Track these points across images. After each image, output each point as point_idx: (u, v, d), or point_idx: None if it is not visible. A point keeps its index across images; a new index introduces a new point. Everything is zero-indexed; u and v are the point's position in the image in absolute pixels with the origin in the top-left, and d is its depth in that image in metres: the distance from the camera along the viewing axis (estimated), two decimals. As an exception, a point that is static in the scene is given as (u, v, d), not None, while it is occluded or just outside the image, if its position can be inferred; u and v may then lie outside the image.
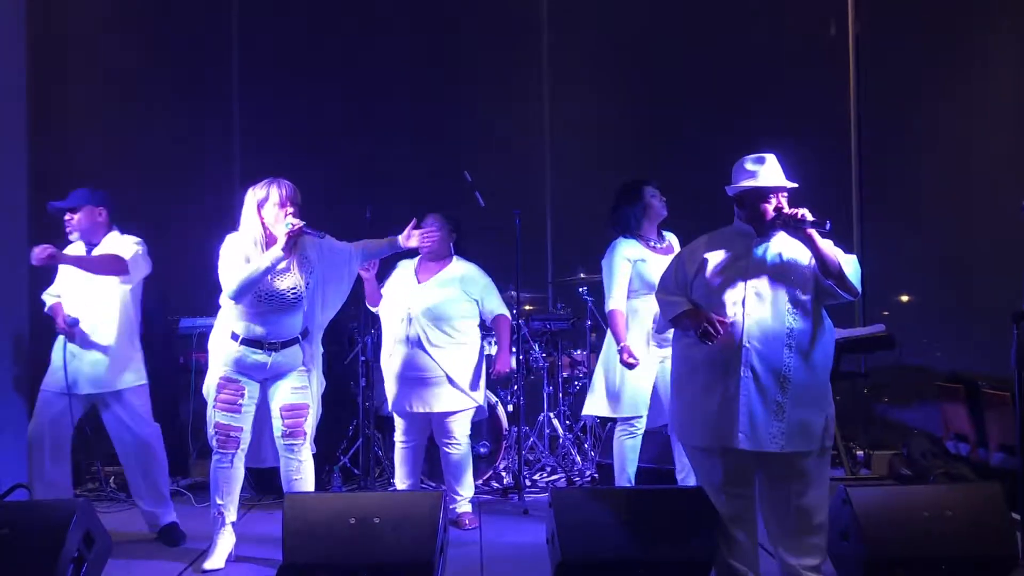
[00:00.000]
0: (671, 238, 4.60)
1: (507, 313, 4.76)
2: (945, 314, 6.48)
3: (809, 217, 3.31)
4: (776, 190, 3.42)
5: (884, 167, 6.67)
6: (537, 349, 5.75)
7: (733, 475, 3.43)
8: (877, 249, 6.68)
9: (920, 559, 3.34)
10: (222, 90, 7.00)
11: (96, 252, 4.30)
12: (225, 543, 4.02)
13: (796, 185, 3.44)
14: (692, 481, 4.28)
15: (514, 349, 5.48)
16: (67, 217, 4.31)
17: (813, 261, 3.39)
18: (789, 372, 3.34)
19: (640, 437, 4.51)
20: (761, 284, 3.38)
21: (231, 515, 4.03)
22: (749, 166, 3.47)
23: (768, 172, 3.44)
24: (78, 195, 4.32)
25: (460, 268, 4.70)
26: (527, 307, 5.33)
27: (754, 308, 3.37)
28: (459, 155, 6.43)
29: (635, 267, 4.44)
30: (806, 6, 6.96)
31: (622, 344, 4.38)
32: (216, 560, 3.96)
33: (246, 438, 3.99)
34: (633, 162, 6.62)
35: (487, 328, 4.91)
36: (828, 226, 3.28)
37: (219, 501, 4.01)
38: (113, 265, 4.23)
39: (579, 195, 6.83)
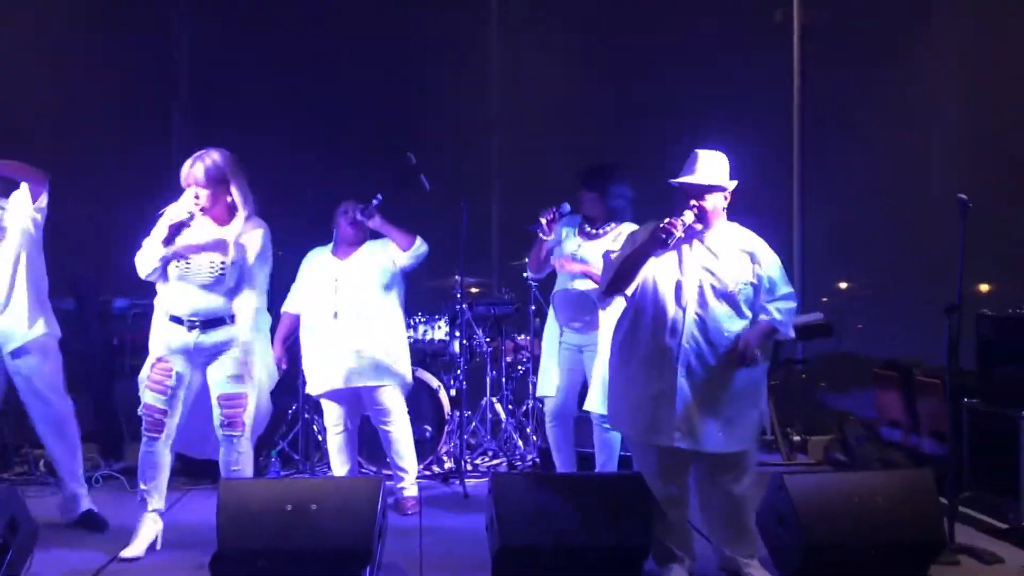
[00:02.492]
0: (624, 230, 4.40)
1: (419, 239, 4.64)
2: (882, 301, 6.61)
3: (678, 233, 3.30)
4: (696, 189, 3.41)
5: (826, 154, 6.76)
6: (481, 334, 5.74)
7: (668, 464, 3.47)
8: (817, 235, 6.77)
9: (853, 544, 3.41)
10: (162, 57, 6.80)
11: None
12: (147, 530, 3.91)
13: (723, 183, 3.43)
14: (612, 466, 4.39)
15: (458, 333, 5.47)
16: None
17: (748, 261, 3.42)
18: (725, 373, 3.37)
19: (561, 427, 4.52)
20: (697, 281, 3.40)
21: (155, 502, 3.92)
22: (690, 160, 3.49)
23: (702, 169, 3.44)
24: None
25: (376, 245, 4.69)
26: (472, 291, 5.29)
27: (692, 305, 3.38)
28: (405, 135, 6.35)
29: (560, 244, 4.47)
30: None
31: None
32: (136, 548, 3.85)
33: (173, 423, 3.88)
34: (580, 148, 6.62)
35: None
36: (672, 241, 3.28)
37: (143, 486, 3.92)
38: (35, 173, 4.02)
39: (527, 177, 6.81)
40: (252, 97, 6.55)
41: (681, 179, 3.46)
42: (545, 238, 4.42)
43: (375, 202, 4.48)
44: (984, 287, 6.17)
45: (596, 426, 4.44)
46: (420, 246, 4.59)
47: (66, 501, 4.30)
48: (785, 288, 3.45)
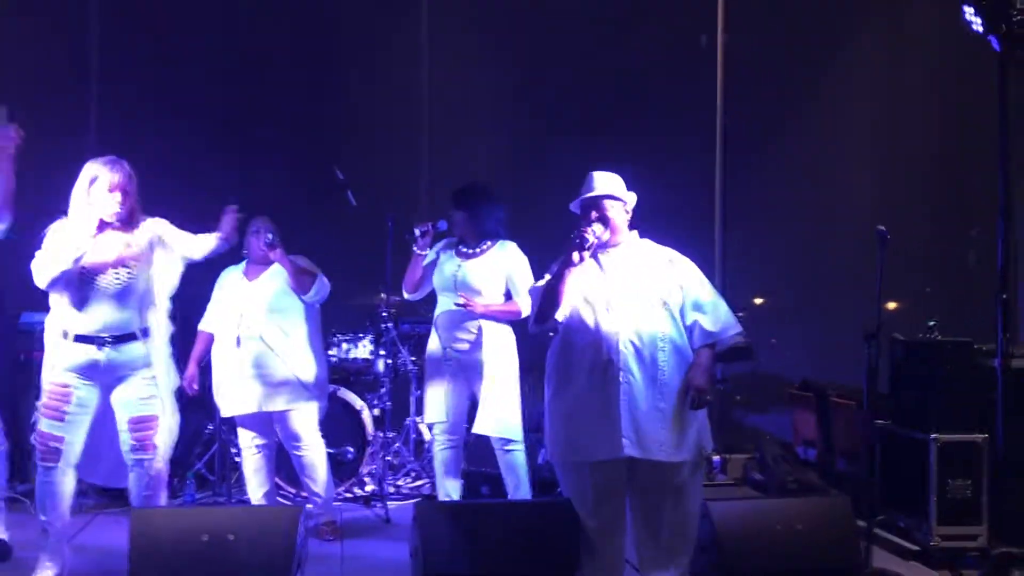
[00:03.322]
0: (501, 248, 4.45)
1: (321, 276, 4.54)
2: (799, 322, 6.76)
3: (589, 241, 3.32)
4: (589, 202, 3.46)
5: (747, 173, 6.88)
6: (406, 352, 5.66)
7: (604, 491, 3.42)
8: (737, 253, 6.89)
9: (774, 571, 3.46)
10: (78, 54, 6.54)
11: None
12: (52, 560, 3.75)
13: (609, 194, 3.47)
14: (523, 492, 4.37)
15: (383, 352, 5.39)
16: None
17: (668, 268, 3.46)
18: (665, 376, 3.38)
19: (451, 451, 4.48)
20: (622, 293, 3.42)
21: (57, 530, 3.76)
22: (586, 181, 3.53)
23: (587, 188, 3.50)
24: None
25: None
26: (395, 310, 5.23)
27: (623, 316, 3.39)
28: (332, 150, 6.24)
29: (434, 265, 4.46)
30: (678, 17, 7.10)
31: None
32: None
33: (72, 449, 3.70)
34: (507, 165, 6.62)
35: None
36: (579, 258, 3.31)
37: (43, 517, 3.74)
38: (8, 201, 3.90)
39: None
40: (169, 104, 6.33)
41: (580, 197, 3.52)
42: (419, 252, 4.41)
43: (270, 238, 4.37)
44: (892, 304, 6.36)
45: (498, 450, 4.41)
46: (316, 292, 4.48)
47: None
48: (709, 292, 3.49)
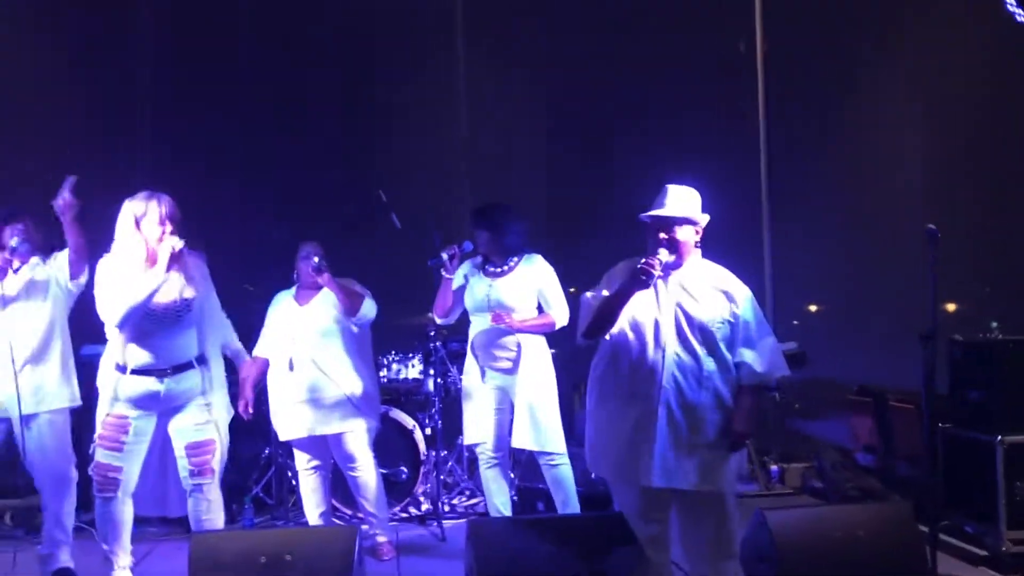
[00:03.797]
0: (529, 262, 4.46)
1: (367, 296, 4.56)
2: (854, 328, 6.65)
3: (655, 272, 3.28)
4: (663, 221, 3.39)
5: (793, 180, 6.82)
6: (455, 371, 5.67)
7: (649, 504, 3.42)
8: (786, 261, 6.81)
9: (835, 579, 3.39)
10: (130, 99, 6.73)
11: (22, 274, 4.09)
12: None
13: (691, 215, 3.42)
14: (572, 507, 4.37)
15: (432, 371, 5.42)
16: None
17: (723, 300, 3.40)
18: (705, 413, 3.35)
19: (497, 468, 4.49)
20: (674, 319, 3.38)
21: (122, 560, 3.84)
22: (660, 194, 3.47)
23: (671, 203, 3.42)
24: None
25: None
26: (444, 330, 5.26)
27: (671, 344, 3.36)
28: (375, 174, 6.31)
29: (463, 288, 4.48)
30: (718, 24, 7.07)
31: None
32: None
33: (130, 479, 3.78)
34: (547, 177, 6.64)
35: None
36: (652, 281, 3.28)
37: (105, 547, 3.83)
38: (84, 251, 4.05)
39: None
40: (214, 134, 6.48)
41: (651, 212, 3.46)
42: (448, 276, 4.42)
43: (316, 261, 4.42)
44: (951, 306, 6.23)
45: (543, 465, 4.42)
46: (366, 313, 4.50)
47: (42, 558, 4.20)
48: (761, 330, 3.43)
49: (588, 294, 3.53)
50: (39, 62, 6.06)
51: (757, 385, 3.40)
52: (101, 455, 3.75)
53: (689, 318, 3.37)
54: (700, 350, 3.36)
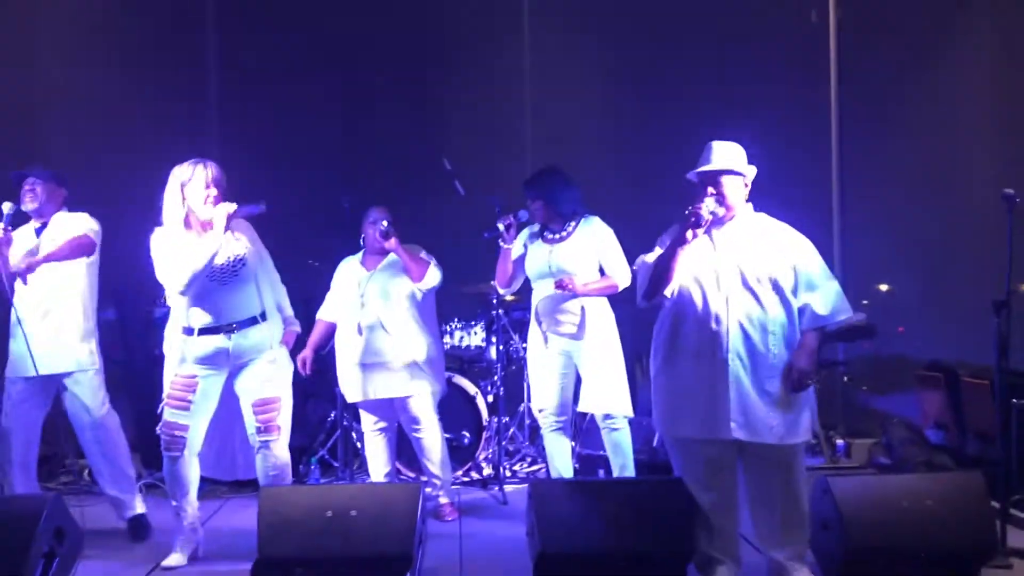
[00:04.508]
0: (587, 224, 4.45)
1: (434, 264, 4.61)
2: (924, 303, 6.49)
3: (705, 217, 3.27)
4: (707, 176, 3.40)
5: (864, 156, 6.67)
6: (517, 339, 5.71)
7: (716, 466, 3.42)
8: (856, 237, 6.68)
9: (900, 549, 3.33)
10: (197, 60, 6.86)
11: (47, 232, 4.25)
12: (185, 542, 3.95)
13: (736, 168, 3.40)
14: (629, 472, 4.38)
15: (494, 339, 5.46)
16: (28, 187, 4.23)
17: (782, 249, 3.37)
18: (774, 359, 3.32)
19: (560, 432, 4.51)
20: (735, 269, 3.36)
21: (189, 515, 3.95)
22: (704, 152, 3.47)
23: (716, 158, 3.43)
24: (40, 169, 4.28)
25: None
26: (508, 297, 5.28)
27: (734, 293, 3.34)
28: (439, 142, 6.35)
29: (525, 254, 4.50)
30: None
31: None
32: (177, 557, 3.89)
33: (195, 437, 3.86)
34: (612, 148, 6.58)
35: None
36: (693, 235, 3.26)
37: (174, 503, 3.94)
38: (80, 248, 4.20)
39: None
40: (282, 106, 6.56)
41: (697, 169, 3.46)
42: (505, 246, 4.43)
43: (384, 226, 4.47)
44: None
45: (603, 429, 4.44)
46: (431, 280, 4.55)
47: (114, 506, 4.39)
48: (823, 274, 3.39)
49: (644, 257, 3.53)
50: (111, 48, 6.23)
51: (821, 328, 3.36)
52: (168, 414, 3.85)
53: (749, 267, 3.35)
54: (764, 298, 3.34)
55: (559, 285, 4.30)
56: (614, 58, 6.77)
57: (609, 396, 4.36)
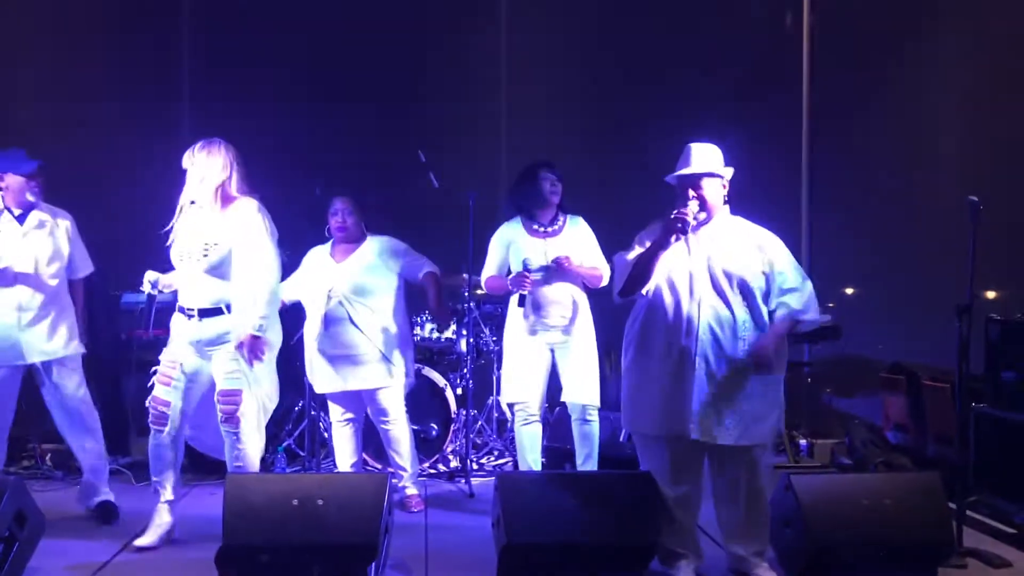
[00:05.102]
0: (574, 223, 4.56)
1: (435, 269, 4.70)
2: (889, 306, 6.58)
3: (690, 220, 3.34)
4: (690, 179, 3.44)
5: (834, 159, 6.75)
6: (488, 333, 5.72)
7: (680, 462, 3.46)
8: (824, 241, 6.76)
9: (860, 546, 3.39)
10: (169, 47, 6.79)
11: (26, 227, 4.23)
12: (160, 520, 3.94)
13: (715, 170, 3.46)
14: (592, 463, 4.45)
15: (464, 332, 5.46)
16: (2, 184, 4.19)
17: (757, 252, 3.43)
18: (742, 365, 3.37)
19: (535, 424, 4.55)
20: (708, 273, 3.41)
21: (166, 493, 3.95)
22: (683, 154, 3.52)
23: (695, 160, 3.47)
24: (16, 157, 4.23)
25: (376, 244, 4.67)
26: (479, 291, 5.28)
27: (706, 297, 3.38)
28: (415, 133, 6.33)
29: (508, 249, 4.55)
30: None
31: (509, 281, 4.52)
32: (150, 536, 3.89)
33: (176, 415, 3.87)
34: (588, 144, 6.60)
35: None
36: (676, 239, 3.33)
37: (154, 478, 3.95)
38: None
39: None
40: (253, 94, 6.49)
41: (677, 172, 3.50)
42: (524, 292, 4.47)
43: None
44: (991, 294, 6.14)
45: (578, 420, 4.49)
46: (440, 284, 4.72)
47: (83, 489, 4.40)
48: (797, 275, 3.45)
49: (625, 254, 3.55)
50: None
51: (793, 320, 3.42)
52: (158, 390, 3.89)
53: (722, 271, 3.40)
54: (735, 302, 3.39)
55: (557, 261, 4.37)
56: (591, 49, 6.79)
57: (592, 388, 4.46)
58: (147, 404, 3.91)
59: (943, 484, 3.56)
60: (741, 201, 3.66)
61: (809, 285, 3.46)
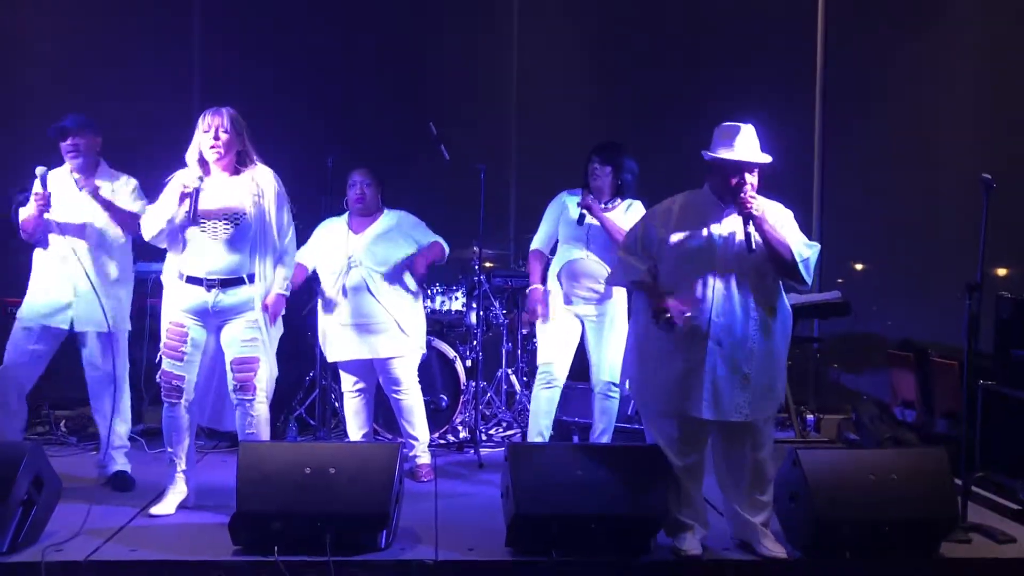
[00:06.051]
0: (629, 206, 4.56)
1: (444, 245, 4.74)
2: (899, 283, 6.59)
3: (756, 214, 3.35)
4: (746, 167, 3.41)
5: (847, 136, 6.72)
6: (498, 306, 5.76)
7: (689, 436, 3.50)
8: (835, 217, 6.75)
9: (865, 520, 3.42)
10: (183, 19, 6.78)
11: (98, 186, 4.26)
12: (175, 490, 3.99)
13: (768, 160, 3.44)
14: (607, 438, 4.53)
15: (475, 305, 5.50)
16: (71, 142, 4.20)
17: (778, 225, 3.44)
18: (755, 345, 3.41)
19: (555, 390, 4.61)
20: (728, 257, 3.42)
21: (181, 463, 3.99)
22: (727, 134, 3.46)
23: (742, 145, 3.42)
24: (81, 120, 4.26)
25: (393, 217, 4.71)
26: (488, 264, 5.32)
27: (723, 281, 3.40)
28: (426, 106, 6.33)
29: (559, 219, 4.61)
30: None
31: (531, 287, 4.66)
32: (165, 506, 3.94)
33: (190, 387, 3.90)
34: (601, 121, 6.59)
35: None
36: (754, 246, 3.34)
37: (169, 449, 3.98)
38: (130, 223, 4.25)
39: (545, 152, 6.78)
40: (266, 64, 6.49)
41: (734, 157, 3.41)
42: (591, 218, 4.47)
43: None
44: (1002, 271, 6.14)
45: (601, 394, 4.57)
46: (443, 258, 4.71)
47: (101, 460, 4.44)
48: (802, 237, 3.48)
49: (621, 252, 3.65)
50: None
51: (794, 254, 3.39)
52: (166, 364, 3.88)
53: (736, 247, 3.41)
54: (751, 285, 3.41)
55: (584, 204, 4.43)
56: (604, 24, 6.76)
57: (617, 367, 4.43)
58: (157, 379, 3.92)
59: (949, 460, 3.59)
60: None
61: (815, 247, 3.47)
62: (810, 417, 5.96)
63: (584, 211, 4.43)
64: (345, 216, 4.74)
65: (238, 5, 6.66)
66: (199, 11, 6.82)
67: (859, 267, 7.08)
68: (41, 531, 3.51)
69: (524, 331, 5.86)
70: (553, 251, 4.71)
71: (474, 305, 5.51)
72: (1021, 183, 5.99)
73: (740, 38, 6.66)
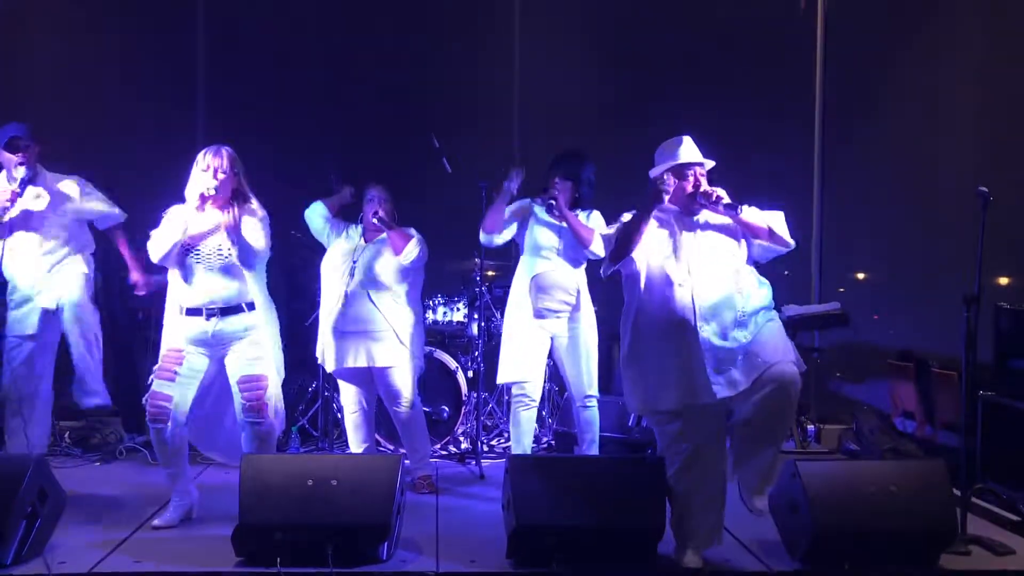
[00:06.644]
0: (588, 216, 4.61)
1: (422, 243, 4.68)
2: (899, 293, 6.60)
3: (725, 199, 3.51)
4: (692, 166, 3.59)
5: (847, 147, 6.75)
6: (499, 316, 5.77)
7: (704, 417, 3.53)
8: (836, 227, 6.77)
9: (865, 532, 3.44)
10: (186, 35, 6.81)
11: (34, 190, 4.54)
12: (178, 503, 4.01)
13: (712, 163, 3.62)
14: (595, 449, 4.58)
15: (476, 316, 5.52)
16: (21, 156, 4.31)
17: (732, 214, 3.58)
18: (743, 316, 3.50)
19: (533, 410, 4.64)
20: (699, 256, 3.53)
21: (181, 477, 4.00)
22: (667, 148, 3.65)
23: (685, 150, 3.61)
24: (23, 128, 4.46)
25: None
26: (490, 274, 5.34)
27: (699, 279, 3.48)
28: (427, 120, 6.36)
29: (532, 221, 4.63)
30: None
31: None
32: (169, 517, 3.96)
33: (180, 409, 3.87)
34: (600, 133, 6.62)
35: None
36: (739, 211, 3.51)
37: (164, 469, 4.00)
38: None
39: (545, 164, 6.80)
40: (268, 80, 6.54)
41: (680, 160, 3.60)
42: (508, 189, 4.55)
43: (378, 215, 4.61)
44: (1003, 280, 6.15)
45: (580, 406, 4.60)
46: (411, 252, 4.57)
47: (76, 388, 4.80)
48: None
49: (608, 229, 3.73)
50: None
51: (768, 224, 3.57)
52: (155, 384, 3.88)
53: (710, 247, 3.57)
54: (727, 275, 3.52)
55: (551, 197, 4.49)
56: (603, 49, 6.79)
57: (593, 376, 4.58)
58: (144, 402, 3.90)
59: (949, 472, 3.60)
60: (754, 186, 3.72)
61: (781, 215, 3.61)
62: (810, 427, 5.96)
63: (552, 202, 4.49)
64: (360, 227, 4.79)
65: (240, 27, 6.69)
66: (202, 28, 6.86)
67: (860, 277, 7.10)
68: (45, 544, 3.53)
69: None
70: (515, 254, 4.75)
71: (476, 316, 5.53)
72: (1022, 192, 6.03)
73: (741, 44, 6.68)
